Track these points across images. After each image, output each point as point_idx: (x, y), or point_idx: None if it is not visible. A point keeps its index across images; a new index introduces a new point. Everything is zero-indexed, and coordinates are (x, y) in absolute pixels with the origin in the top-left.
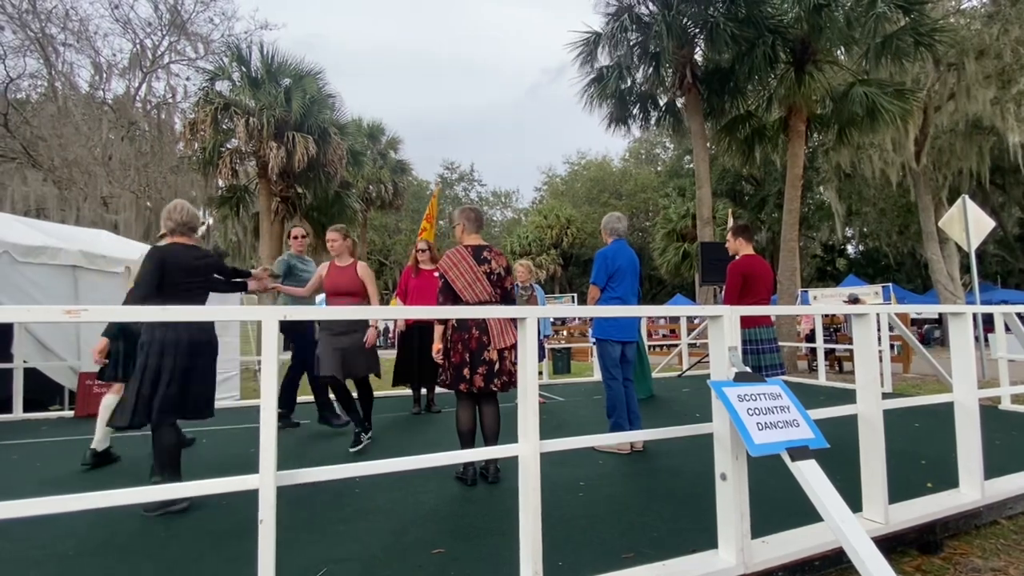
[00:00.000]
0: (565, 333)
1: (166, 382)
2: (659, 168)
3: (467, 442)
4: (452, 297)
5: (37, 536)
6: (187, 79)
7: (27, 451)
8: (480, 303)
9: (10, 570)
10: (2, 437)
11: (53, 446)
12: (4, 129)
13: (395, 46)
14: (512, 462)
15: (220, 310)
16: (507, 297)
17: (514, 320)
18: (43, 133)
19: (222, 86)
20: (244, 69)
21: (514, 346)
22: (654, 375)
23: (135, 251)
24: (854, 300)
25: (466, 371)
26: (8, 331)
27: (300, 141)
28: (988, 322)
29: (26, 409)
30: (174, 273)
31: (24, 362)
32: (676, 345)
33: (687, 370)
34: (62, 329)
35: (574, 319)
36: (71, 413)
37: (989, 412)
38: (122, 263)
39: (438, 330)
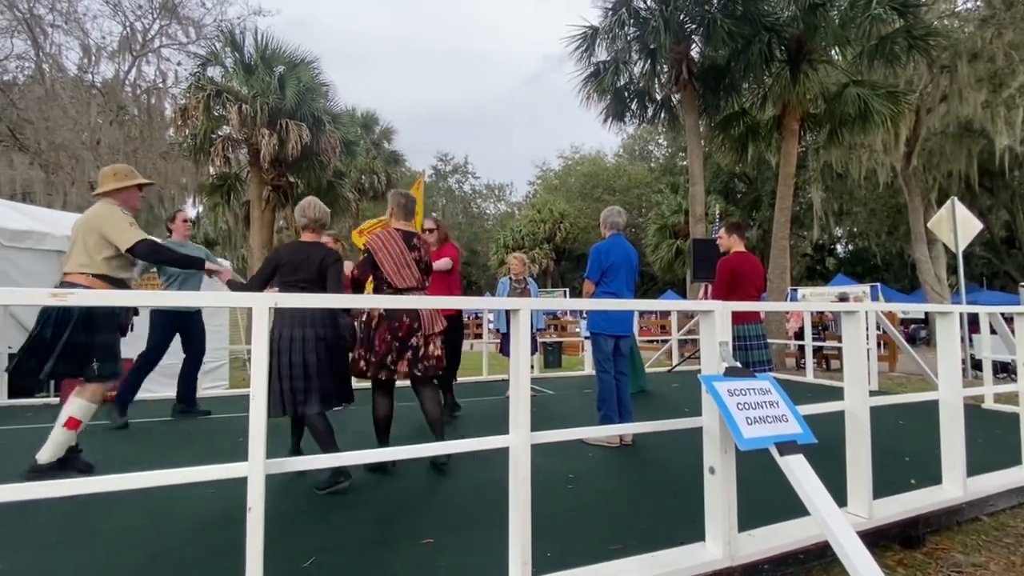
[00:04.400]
0: (556, 327)
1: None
2: (652, 165)
3: (383, 431)
4: (374, 276)
5: (18, 524)
6: (178, 64)
7: (11, 438)
8: (408, 288)
9: None
10: None
11: (37, 433)
12: None
13: (396, 35)
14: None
15: (208, 295)
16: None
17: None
18: (30, 116)
19: (214, 72)
20: (237, 55)
21: (442, 332)
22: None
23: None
24: (843, 299)
25: (390, 359)
26: None
27: (293, 128)
28: (973, 322)
29: (11, 395)
30: (284, 269)
31: (8, 348)
32: (667, 341)
33: (677, 365)
34: None
35: (565, 313)
36: (56, 399)
37: (973, 411)
38: None
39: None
